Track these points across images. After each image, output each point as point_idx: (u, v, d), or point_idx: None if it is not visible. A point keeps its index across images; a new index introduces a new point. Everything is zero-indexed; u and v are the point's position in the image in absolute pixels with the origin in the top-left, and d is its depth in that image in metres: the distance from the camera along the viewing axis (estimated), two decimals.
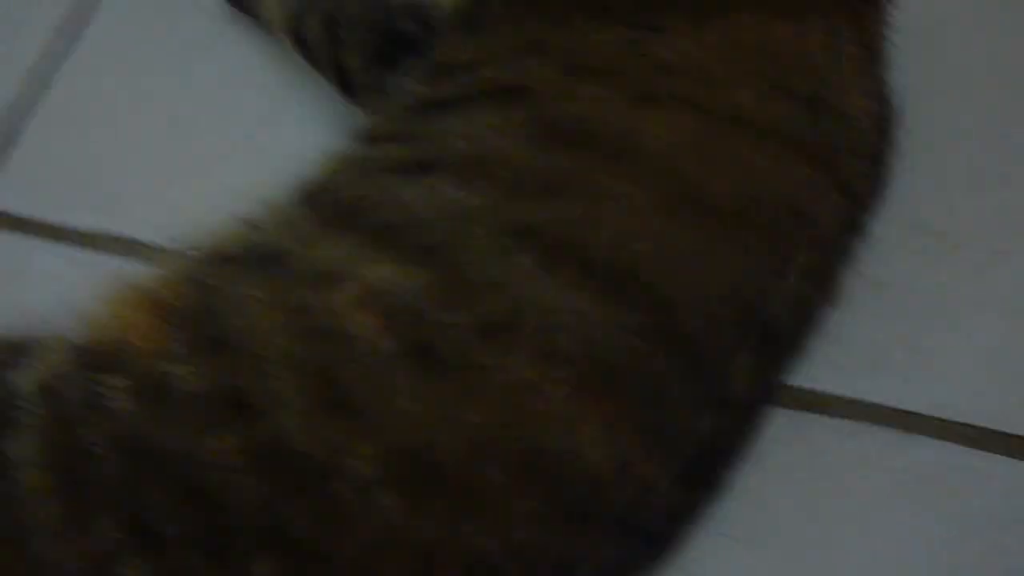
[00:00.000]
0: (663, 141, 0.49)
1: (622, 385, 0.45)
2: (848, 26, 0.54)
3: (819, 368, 0.58)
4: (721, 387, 0.48)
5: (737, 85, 0.51)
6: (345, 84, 0.67)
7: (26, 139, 0.76)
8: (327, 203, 0.54)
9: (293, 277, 0.49)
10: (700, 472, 0.49)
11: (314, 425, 0.43)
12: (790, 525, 0.57)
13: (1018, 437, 0.59)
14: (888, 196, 0.58)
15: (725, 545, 0.55)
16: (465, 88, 0.54)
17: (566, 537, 0.45)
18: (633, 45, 0.53)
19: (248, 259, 0.52)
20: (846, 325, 0.58)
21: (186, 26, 0.79)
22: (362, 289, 0.47)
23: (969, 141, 0.68)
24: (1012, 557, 0.55)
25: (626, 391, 0.45)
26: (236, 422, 0.44)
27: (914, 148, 0.60)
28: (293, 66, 0.73)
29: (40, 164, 0.75)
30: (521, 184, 0.49)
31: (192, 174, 0.72)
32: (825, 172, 0.50)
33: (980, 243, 0.65)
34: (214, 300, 0.50)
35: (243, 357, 0.46)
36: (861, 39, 0.55)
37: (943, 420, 0.60)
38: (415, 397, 0.44)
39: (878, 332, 0.62)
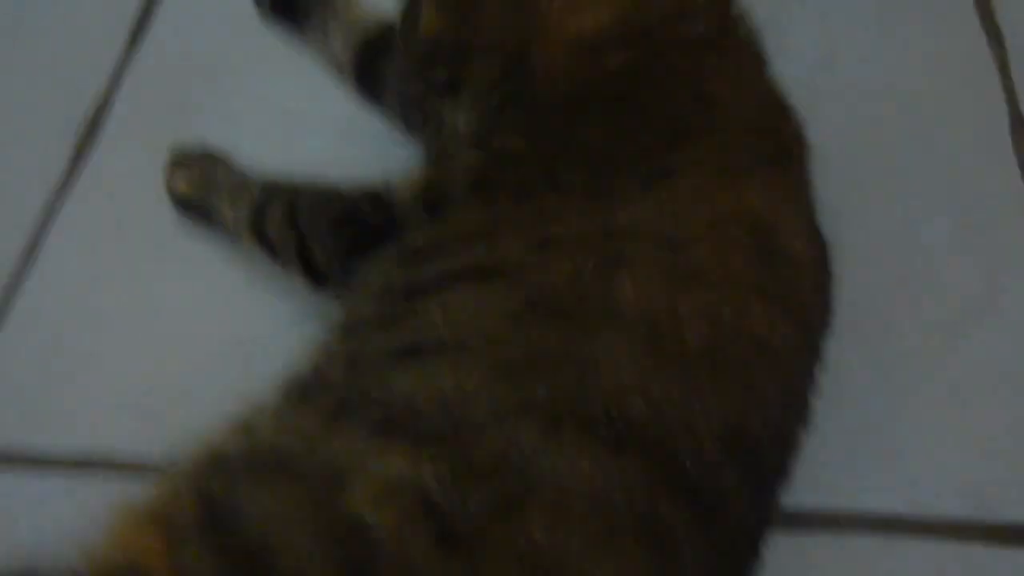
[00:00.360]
0: (633, 302, 0.52)
1: (634, 535, 0.47)
2: (780, 179, 0.60)
3: (801, 488, 0.60)
4: (724, 523, 0.50)
5: (693, 242, 0.55)
6: (313, 276, 0.69)
7: None
8: (321, 398, 0.55)
9: (304, 479, 0.50)
10: None
11: None
12: None
13: (997, 525, 0.62)
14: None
15: None
16: (440, 271, 0.58)
17: None
18: (592, 213, 0.57)
19: (253, 465, 0.53)
20: (819, 443, 0.61)
21: (144, 232, 0.82)
22: (377, 484, 0.48)
23: (892, 248, 0.75)
24: None
25: (639, 540, 0.47)
26: None
27: (845, 263, 0.65)
28: (255, 261, 0.76)
29: (7, 391, 0.75)
30: (509, 361, 0.52)
31: (167, 380, 0.73)
32: (781, 309, 0.55)
33: (922, 346, 0.71)
34: (225, 511, 0.50)
35: (267, 566, 0.47)
36: (793, 188, 0.60)
37: (925, 518, 0.63)
38: None
39: (854, 443, 0.66)
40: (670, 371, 0.50)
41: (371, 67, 0.84)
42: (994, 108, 0.82)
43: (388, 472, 0.49)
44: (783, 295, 0.55)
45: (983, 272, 0.73)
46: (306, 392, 0.57)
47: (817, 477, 0.63)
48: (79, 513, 0.62)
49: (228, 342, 0.75)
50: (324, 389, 0.56)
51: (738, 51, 0.67)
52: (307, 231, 0.69)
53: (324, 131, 0.86)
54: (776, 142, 0.62)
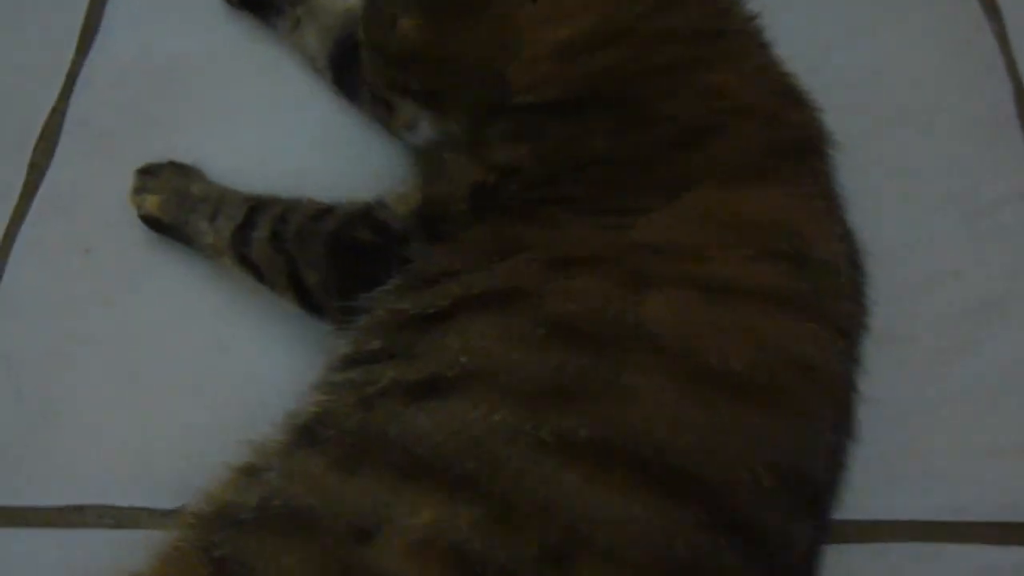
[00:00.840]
0: (668, 324, 0.49)
1: None
2: (805, 179, 0.57)
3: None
4: (786, 560, 0.47)
5: (721, 255, 0.52)
6: (307, 303, 0.65)
7: None
8: (332, 441, 0.51)
9: (325, 535, 0.47)
10: None
11: None
12: None
13: None
14: None
15: None
16: (453, 298, 0.54)
17: None
18: (610, 229, 0.53)
19: (264, 519, 0.49)
20: (856, 448, 0.59)
21: (114, 253, 0.76)
22: (407, 537, 0.45)
23: (904, 241, 0.72)
24: None
25: None
26: None
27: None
28: (240, 285, 0.70)
29: None
30: (538, 393, 0.48)
31: (155, 418, 0.68)
32: (821, 320, 0.52)
33: (944, 342, 0.68)
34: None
35: None
36: (819, 188, 0.57)
37: (963, 522, 0.61)
38: None
39: (885, 448, 0.63)
40: (715, 403, 0.47)
41: (350, 65, 0.78)
42: (997, 84, 0.79)
43: (418, 523, 0.45)
44: (821, 305, 0.53)
45: (1000, 259, 0.71)
46: (314, 433, 0.53)
47: (854, 486, 0.60)
48: (72, 572, 0.59)
49: (218, 373, 0.70)
50: (334, 430, 0.52)
51: (736, 38, 0.63)
52: (297, 254, 0.64)
53: (302, 135, 0.80)
54: (793, 133, 0.59)
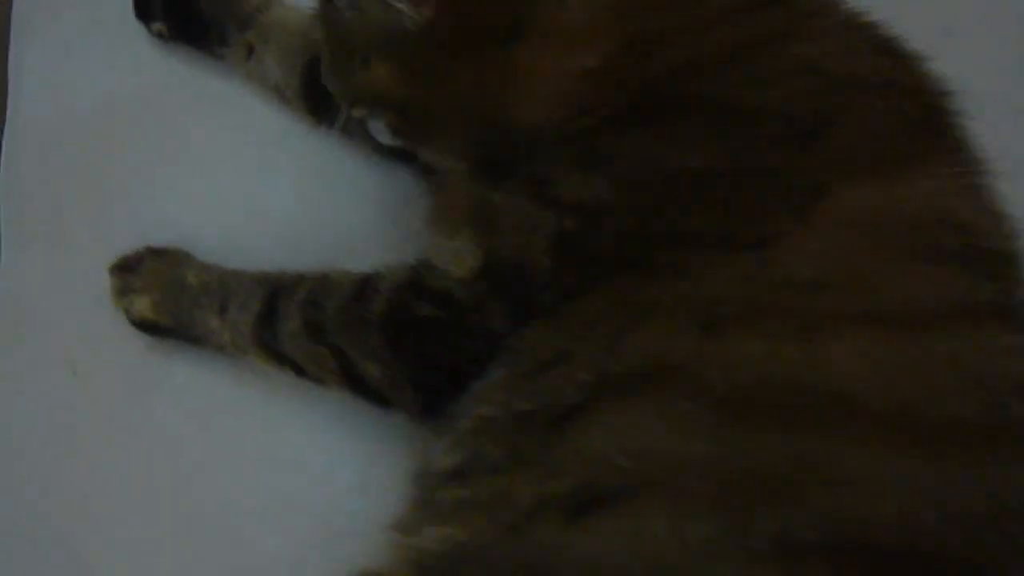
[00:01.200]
0: (862, 378, 0.41)
1: None
2: (947, 154, 0.48)
3: None
4: None
5: (889, 274, 0.44)
6: (371, 397, 0.55)
7: None
8: None
9: None
10: None
11: None
12: None
13: None
14: None
15: None
16: (581, 385, 0.45)
17: None
18: (751, 269, 0.45)
19: None
20: None
21: (106, 363, 0.64)
22: None
23: None
24: None
25: None
26: None
27: None
28: (271, 377, 0.60)
29: None
30: (733, 493, 0.40)
31: (207, 555, 0.59)
32: (1007, 324, 0.45)
33: None
34: None
35: None
36: (964, 161, 0.49)
37: None
38: None
39: None
40: (954, 460, 0.40)
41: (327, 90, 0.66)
42: None
43: None
44: (1008, 303, 0.45)
45: None
46: (450, 574, 0.44)
47: None
48: None
49: (272, 487, 0.60)
50: (478, 567, 0.44)
51: None
52: (347, 346, 0.54)
53: (288, 180, 0.68)
54: (915, 99, 0.50)
